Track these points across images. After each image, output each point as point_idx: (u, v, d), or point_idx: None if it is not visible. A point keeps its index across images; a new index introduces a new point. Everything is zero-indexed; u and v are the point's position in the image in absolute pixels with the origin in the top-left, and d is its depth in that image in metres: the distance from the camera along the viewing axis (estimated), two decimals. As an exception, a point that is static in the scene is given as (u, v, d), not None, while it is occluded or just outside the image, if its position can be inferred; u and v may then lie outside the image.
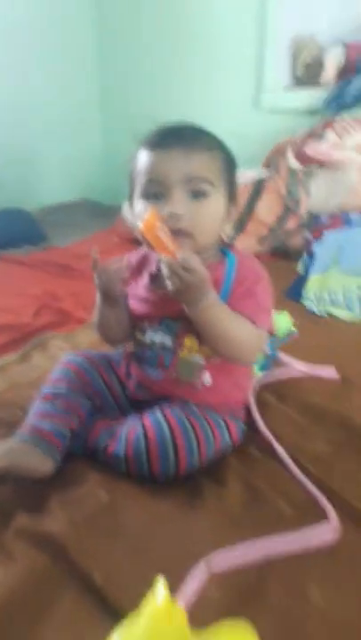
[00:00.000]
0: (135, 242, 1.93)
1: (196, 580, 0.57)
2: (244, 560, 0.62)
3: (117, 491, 0.74)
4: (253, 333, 0.76)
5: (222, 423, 0.81)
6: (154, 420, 0.77)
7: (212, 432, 0.78)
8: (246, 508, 0.72)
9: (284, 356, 1.11)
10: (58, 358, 1.15)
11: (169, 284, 0.69)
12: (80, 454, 0.83)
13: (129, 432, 0.77)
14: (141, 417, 0.79)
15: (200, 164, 0.74)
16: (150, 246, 0.70)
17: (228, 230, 0.81)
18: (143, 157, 0.76)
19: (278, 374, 1.07)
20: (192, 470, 0.76)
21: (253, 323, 0.76)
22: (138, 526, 0.67)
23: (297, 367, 1.09)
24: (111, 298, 0.81)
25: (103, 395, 0.88)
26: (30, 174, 2.49)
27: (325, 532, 0.67)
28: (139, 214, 0.76)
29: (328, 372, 1.09)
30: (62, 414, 0.82)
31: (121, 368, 0.90)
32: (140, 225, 0.69)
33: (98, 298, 0.83)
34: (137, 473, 0.76)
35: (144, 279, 0.85)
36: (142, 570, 0.60)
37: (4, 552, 0.63)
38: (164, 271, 0.69)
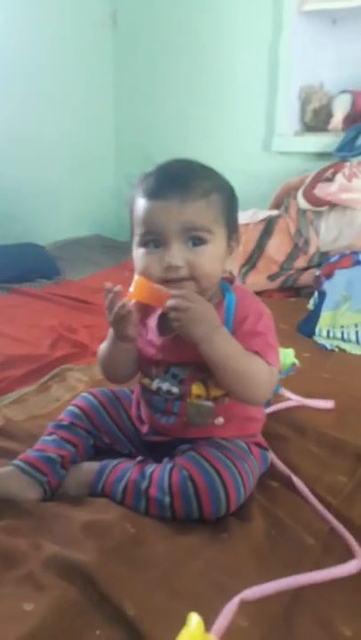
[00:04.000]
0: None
1: (229, 615, 0.58)
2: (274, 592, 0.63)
3: (142, 524, 0.74)
4: (266, 369, 0.75)
5: (248, 451, 0.81)
6: (194, 462, 0.75)
7: (246, 462, 0.78)
8: (271, 541, 0.73)
9: (284, 391, 1.11)
10: (76, 390, 1.16)
11: (176, 324, 0.71)
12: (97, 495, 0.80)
13: (171, 478, 0.74)
14: (177, 461, 0.77)
15: (196, 213, 0.73)
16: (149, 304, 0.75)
17: (228, 266, 0.81)
18: (140, 206, 0.76)
19: (285, 407, 1.08)
20: (239, 504, 0.75)
21: (264, 360, 0.75)
22: (166, 558, 0.67)
23: (295, 400, 1.10)
24: (123, 335, 0.79)
25: (112, 432, 0.89)
26: (45, 209, 2.53)
27: (352, 568, 0.68)
28: (137, 261, 0.77)
29: (324, 403, 1.10)
30: (56, 444, 0.84)
31: (132, 409, 0.91)
32: (132, 289, 0.73)
33: (110, 333, 0.81)
34: (185, 517, 0.74)
35: (152, 321, 0.84)
36: (174, 600, 0.60)
37: (34, 582, 0.62)
38: (170, 312, 0.71)
